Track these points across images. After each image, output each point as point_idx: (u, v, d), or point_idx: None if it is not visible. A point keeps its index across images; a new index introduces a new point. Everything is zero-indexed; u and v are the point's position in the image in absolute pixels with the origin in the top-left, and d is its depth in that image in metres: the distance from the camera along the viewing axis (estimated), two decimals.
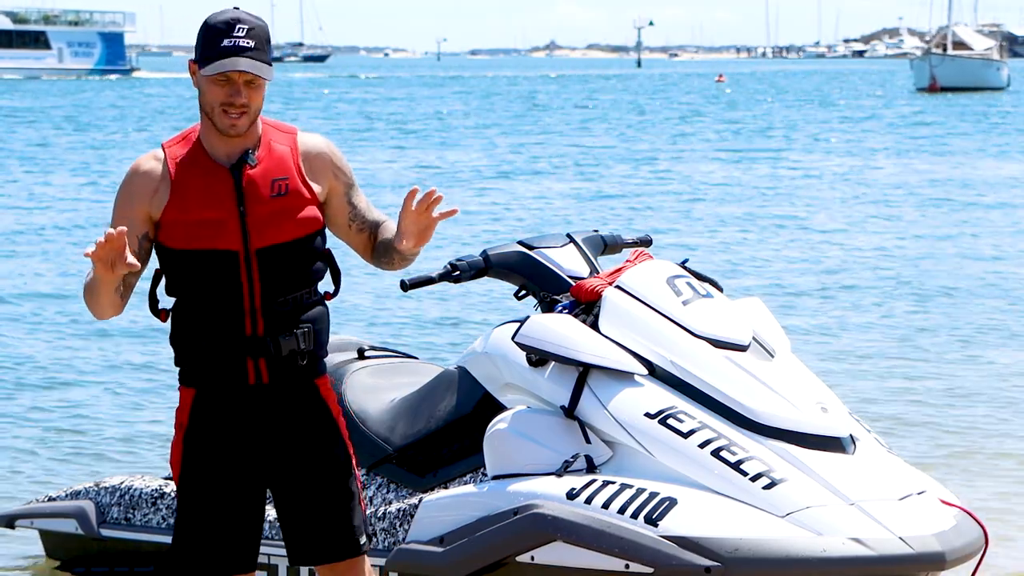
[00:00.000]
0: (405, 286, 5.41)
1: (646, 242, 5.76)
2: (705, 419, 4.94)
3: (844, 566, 4.64)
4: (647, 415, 4.94)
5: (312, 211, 4.42)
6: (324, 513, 4.46)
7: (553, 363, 5.10)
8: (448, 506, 5.16)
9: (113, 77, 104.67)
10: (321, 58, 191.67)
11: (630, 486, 4.84)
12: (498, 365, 5.28)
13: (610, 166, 30.53)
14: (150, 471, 7.72)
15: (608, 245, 5.65)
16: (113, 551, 6.21)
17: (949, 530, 4.81)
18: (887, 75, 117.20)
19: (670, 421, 4.92)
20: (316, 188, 4.43)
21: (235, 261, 4.33)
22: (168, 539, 5.77)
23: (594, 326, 5.12)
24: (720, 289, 5.35)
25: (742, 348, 5.08)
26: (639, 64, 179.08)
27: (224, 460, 4.41)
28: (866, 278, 15.37)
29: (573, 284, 5.31)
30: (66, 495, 6.36)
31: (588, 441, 4.99)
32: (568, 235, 5.57)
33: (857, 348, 11.70)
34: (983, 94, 71.10)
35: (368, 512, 5.34)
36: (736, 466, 4.81)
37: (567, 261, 5.44)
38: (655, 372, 5.05)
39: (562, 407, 5.05)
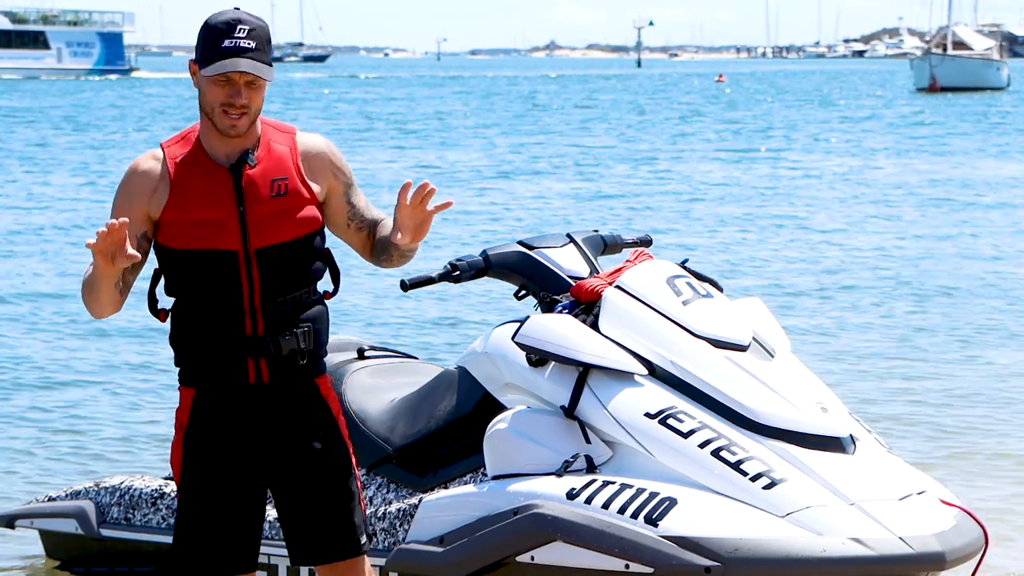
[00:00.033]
0: (405, 286, 5.41)
1: (646, 242, 5.76)
2: (705, 419, 4.94)
3: (844, 566, 4.64)
4: (647, 415, 4.95)
5: (311, 211, 4.42)
6: (324, 513, 4.46)
7: (553, 363, 5.10)
8: (448, 506, 5.16)
9: (112, 77, 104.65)
10: (321, 58, 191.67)
11: (630, 486, 4.84)
12: (498, 365, 5.28)
13: (610, 166, 30.53)
14: (148, 471, 7.72)
15: (608, 245, 5.65)
16: (113, 551, 6.21)
17: (949, 530, 4.81)
18: (887, 75, 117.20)
19: (670, 421, 4.92)
20: (315, 188, 4.43)
21: (235, 261, 4.33)
22: (168, 539, 5.77)
23: (594, 326, 5.12)
24: (720, 289, 5.35)
25: (742, 348, 5.08)
26: (639, 64, 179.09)
27: (224, 460, 4.41)
28: (865, 278, 15.38)
29: (573, 284, 5.31)
30: (66, 495, 6.36)
31: (588, 441, 4.99)
32: (568, 235, 5.57)
33: (856, 348, 11.70)
34: (983, 94, 71.11)
35: (368, 512, 5.34)
36: (736, 466, 4.81)
37: (567, 261, 5.44)
38: (655, 372, 5.05)
39: (562, 407, 5.05)
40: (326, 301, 4.52)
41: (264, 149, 4.39)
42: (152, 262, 4.48)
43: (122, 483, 6.17)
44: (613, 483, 4.87)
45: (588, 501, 4.83)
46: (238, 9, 4.35)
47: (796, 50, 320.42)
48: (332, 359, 5.69)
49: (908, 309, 13.54)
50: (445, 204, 4.37)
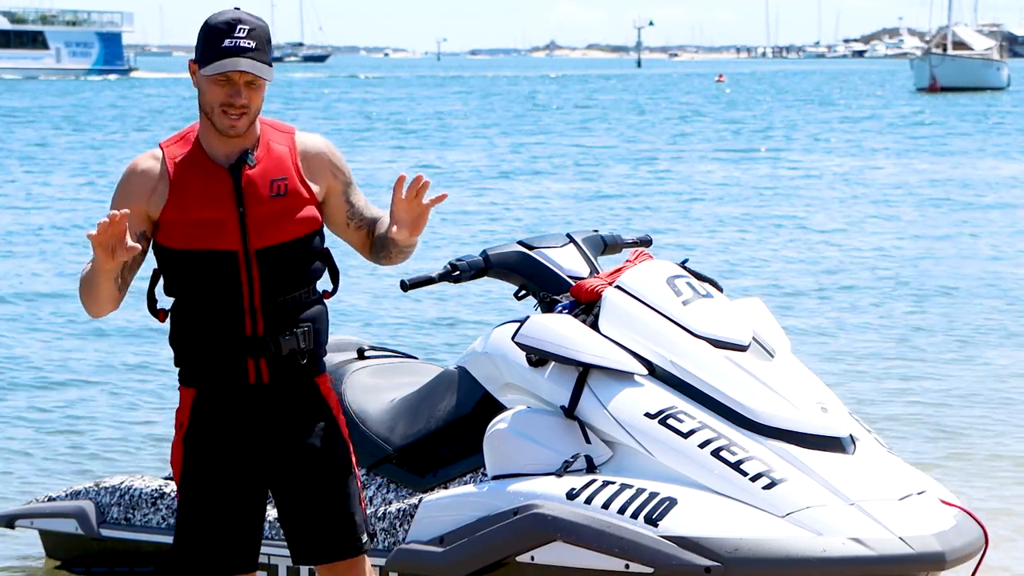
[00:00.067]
0: (405, 286, 5.41)
1: (646, 242, 5.76)
2: (705, 419, 4.94)
3: (844, 566, 4.64)
4: (647, 415, 4.95)
5: (311, 211, 4.42)
6: (325, 512, 4.46)
7: (553, 363, 5.11)
8: (448, 506, 5.16)
9: (111, 77, 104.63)
10: (321, 58, 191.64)
11: (630, 486, 4.84)
12: (498, 365, 5.28)
13: (610, 166, 30.54)
14: (148, 471, 7.72)
15: (608, 245, 5.65)
16: (113, 551, 6.21)
17: (949, 530, 4.81)
18: (887, 75, 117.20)
19: (670, 421, 4.92)
20: (315, 188, 4.43)
21: (235, 261, 4.33)
22: (168, 539, 5.77)
23: (594, 326, 5.12)
24: (720, 289, 5.35)
25: (742, 348, 5.08)
26: (639, 64, 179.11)
27: (225, 460, 4.41)
28: (864, 278, 15.38)
29: (573, 284, 5.31)
30: (66, 495, 6.36)
31: (588, 441, 4.99)
32: (568, 235, 5.57)
33: (855, 348, 11.70)
34: (983, 94, 71.12)
35: (368, 512, 5.34)
36: (736, 466, 4.82)
37: (567, 261, 5.44)
38: (655, 372, 5.05)
39: (562, 407, 5.05)
40: (325, 300, 4.53)
41: (263, 149, 4.39)
42: (150, 262, 4.48)
43: (122, 483, 6.17)
44: (613, 483, 4.87)
45: (588, 501, 4.83)
46: (238, 9, 4.36)
47: (796, 50, 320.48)
48: (332, 359, 5.69)
49: (907, 309, 13.54)
50: (440, 197, 4.38)
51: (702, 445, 4.87)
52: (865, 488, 4.82)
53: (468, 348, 5.54)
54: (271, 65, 4.34)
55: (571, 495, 4.86)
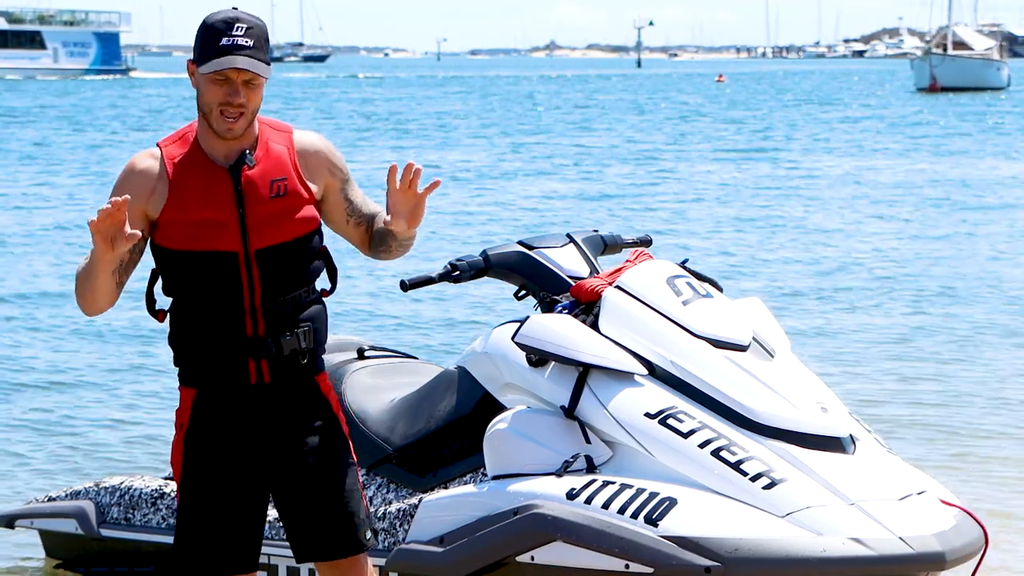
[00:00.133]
0: (405, 286, 5.41)
1: (646, 242, 5.76)
2: (705, 419, 4.94)
3: (844, 566, 4.64)
4: (647, 415, 4.95)
5: (310, 210, 4.42)
6: (328, 508, 4.45)
7: (553, 363, 5.11)
8: (448, 506, 5.16)
9: (109, 77, 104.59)
10: (321, 58, 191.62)
11: (630, 486, 4.84)
12: (498, 365, 5.28)
13: (610, 166, 30.53)
14: (148, 471, 7.72)
15: (608, 245, 5.65)
16: (113, 551, 6.21)
17: (949, 530, 4.81)
18: (887, 75, 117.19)
19: (670, 421, 4.92)
20: (313, 187, 4.43)
21: (235, 262, 4.33)
22: (168, 539, 5.77)
23: (594, 326, 5.12)
24: (720, 289, 5.35)
25: (742, 348, 5.08)
26: (639, 64, 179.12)
27: (226, 460, 4.41)
28: (864, 278, 15.38)
29: (573, 284, 5.31)
30: (66, 495, 6.36)
31: (588, 441, 4.99)
32: (568, 235, 5.57)
33: (855, 349, 11.70)
34: (983, 94, 71.13)
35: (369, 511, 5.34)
36: (736, 466, 4.82)
37: (567, 261, 5.44)
38: (655, 372, 5.05)
39: (562, 407, 5.05)
40: (324, 299, 4.53)
41: (263, 149, 4.39)
42: (147, 263, 4.48)
43: (122, 483, 6.17)
44: (613, 483, 4.87)
45: (588, 501, 4.83)
46: (236, 8, 4.35)
47: (796, 50, 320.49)
48: (332, 359, 5.69)
49: (907, 309, 13.55)
50: (434, 184, 4.39)
51: (702, 445, 4.87)
52: (865, 488, 4.82)
53: (468, 348, 5.54)
54: (269, 64, 4.34)
55: (571, 495, 4.86)
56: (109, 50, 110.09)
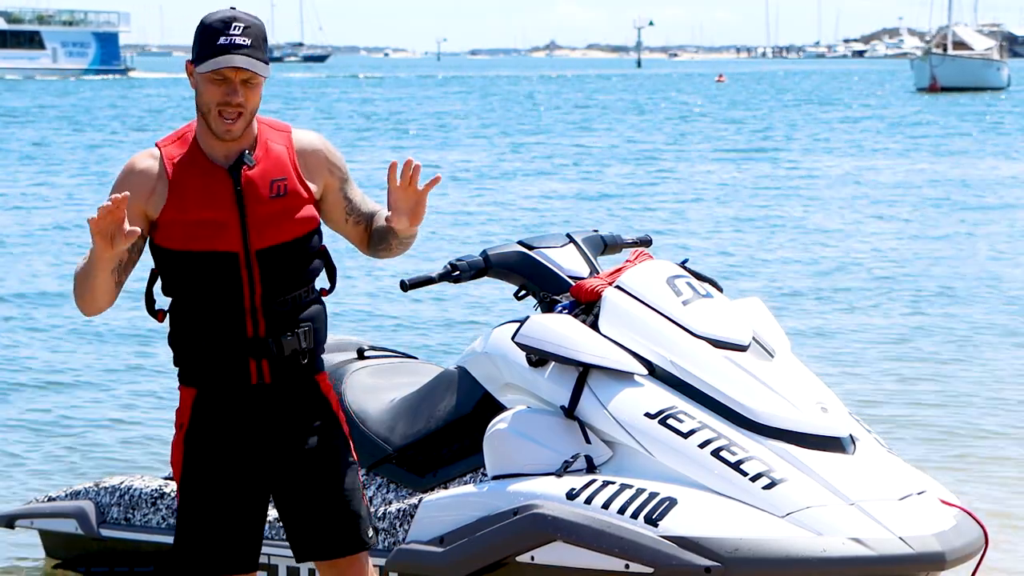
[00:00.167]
0: (405, 286, 5.41)
1: (646, 242, 5.76)
2: (705, 419, 4.94)
3: (844, 566, 4.64)
4: (647, 415, 4.95)
5: (310, 210, 4.42)
6: (328, 507, 4.45)
7: (553, 363, 5.10)
8: (448, 506, 5.16)
9: (108, 77, 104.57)
10: (321, 58, 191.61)
11: (630, 486, 4.84)
12: (498, 365, 5.28)
13: (610, 166, 30.53)
14: (148, 471, 7.71)
15: (608, 245, 5.65)
16: (113, 551, 6.20)
17: (949, 530, 4.81)
18: (887, 75, 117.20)
19: (670, 421, 4.92)
20: (313, 187, 4.43)
21: (235, 262, 4.33)
22: (168, 539, 5.77)
23: (594, 326, 5.12)
24: (720, 289, 5.35)
25: (742, 348, 5.08)
26: (639, 64, 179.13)
27: (226, 460, 4.40)
28: (863, 279, 15.38)
29: (573, 284, 5.31)
30: (66, 495, 6.36)
31: (588, 441, 4.99)
32: (568, 235, 5.57)
33: (853, 349, 11.70)
34: (983, 94, 71.12)
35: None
36: (736, 466, 4.81)
37: (567, 261, 5.44)
38: (655, 372, 5.05)
39: (562, 407, 5.05)
40: (323, 298, 4.52)
41: (262, 149, 4.39)
42: (146, 263, 4.47)
43: (122, 483, 6.17)
44: (613, 483, 4.86)
45: (588, 501, 4.83)
46: (234, 8, 4.35)
47: (796, 50, 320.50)
48: (332, 359, 5.69)
49: (906, 310, 13.54)
50: (434, 180, 4.39)
51: (702, 445, 4.87)
52: (865, 488, 4.82)
53: (468, 348, 5.54)
54: (267, 63, 4.33)
55: (571, 495, 4.86)
56: (108, 50, 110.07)
